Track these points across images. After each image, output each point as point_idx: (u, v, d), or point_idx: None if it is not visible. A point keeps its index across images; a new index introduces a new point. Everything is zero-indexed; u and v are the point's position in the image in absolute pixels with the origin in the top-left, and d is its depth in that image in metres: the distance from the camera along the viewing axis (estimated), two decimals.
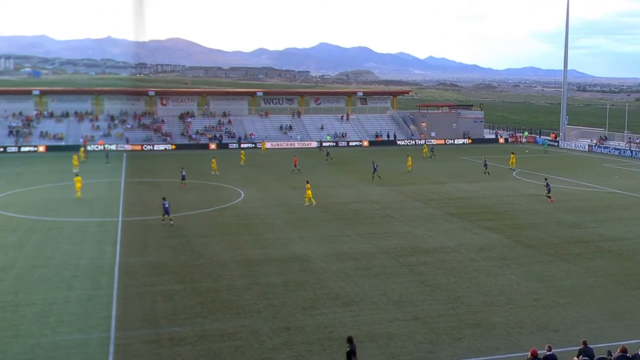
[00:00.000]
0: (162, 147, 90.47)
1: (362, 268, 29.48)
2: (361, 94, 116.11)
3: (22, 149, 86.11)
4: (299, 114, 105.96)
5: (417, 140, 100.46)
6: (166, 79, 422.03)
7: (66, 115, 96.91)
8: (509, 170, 65.33)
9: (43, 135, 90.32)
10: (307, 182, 47.35)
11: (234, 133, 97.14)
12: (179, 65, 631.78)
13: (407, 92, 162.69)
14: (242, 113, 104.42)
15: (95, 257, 31.43)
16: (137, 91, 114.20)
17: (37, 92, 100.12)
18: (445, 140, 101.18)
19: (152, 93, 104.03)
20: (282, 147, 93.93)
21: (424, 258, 31.34)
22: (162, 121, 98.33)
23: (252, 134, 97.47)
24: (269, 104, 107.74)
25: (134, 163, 68.47)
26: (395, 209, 44.27)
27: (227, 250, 32.78)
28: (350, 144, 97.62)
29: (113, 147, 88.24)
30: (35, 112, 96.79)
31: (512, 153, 69.21)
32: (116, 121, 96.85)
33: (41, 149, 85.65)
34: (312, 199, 45.44)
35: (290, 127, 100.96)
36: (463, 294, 25.88)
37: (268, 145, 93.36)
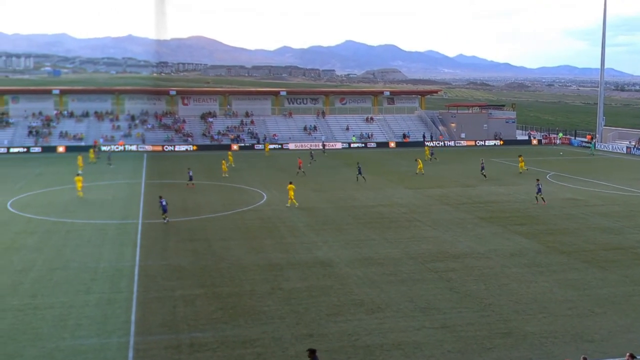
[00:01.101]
0: (183, 147, 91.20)
1: (388, 274, 29.37)
2: (388, 93, 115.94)
3: (39, 149, 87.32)
4: (323, 114, 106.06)
5: (445, 142, 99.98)
6: (188, 78, 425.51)
7: (86, 115, 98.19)
8: (542, 173, 64.60)
9: (63, 135, 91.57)
10: (290, 183, 47.45)
11: (256, 134, 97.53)
12: (200, 64, 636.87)
13: (436, 92, 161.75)
14: (265, 113, 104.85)
15: (115, 259, 31.75)
16: (158, 90, 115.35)
17: (57, 92, 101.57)
18: (475, 141, 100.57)
19: (174, 92, 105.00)
20: (307, 148, 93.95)
21: (452, 264, 31.14)
22: (184, 121, 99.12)
23: (275, 134, 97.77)
24: (293, 103, 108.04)
25: (154, 164, 69.05)
26: (423, 212, 44.07)
27: (249, 254, 32.89)
28: (370, 144, 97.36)
29: (133, 147, 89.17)
30: (55, 112, 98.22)
31: (520, 156, 68.00)
32: (137, 121, 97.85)
33: (61, 149, 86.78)
34: (293, 201, 45.78)
35: (315, 128, 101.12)
36: (493, 301, 25.65)
37: (291, 146, 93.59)
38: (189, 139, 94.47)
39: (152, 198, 48.75)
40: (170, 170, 66.16)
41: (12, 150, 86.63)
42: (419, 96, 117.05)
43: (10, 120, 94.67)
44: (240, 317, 23.80)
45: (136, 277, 28.57)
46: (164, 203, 40.92)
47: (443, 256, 32.56)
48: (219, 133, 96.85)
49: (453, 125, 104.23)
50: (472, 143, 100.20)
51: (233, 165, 68.16)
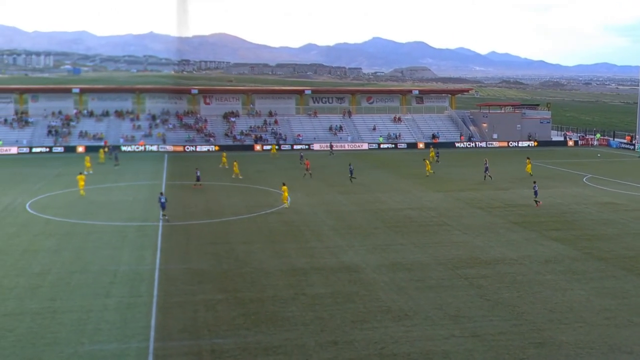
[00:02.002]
0: (204, 148, 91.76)
1: (416, 280, 29.26)
2: (417, 92, 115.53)
3: (61, 149, 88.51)
4: (349, 113, 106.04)
5: (476, 143, 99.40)
6: (210, 76, 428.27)
7: (106, 114, 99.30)
8: (578, 176, 63.93)
9: (82, 135, 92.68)
10: (284, 184, 47.76)
11: (280, 134, 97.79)
12: (223, 62, 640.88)
13: (467, 91, 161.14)
14: (289, 112, 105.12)
15: (135, 263, 32.02)
16: (180, 89, 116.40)
17: (77, 90, 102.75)
18: (508, 142, 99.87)
19: (195, 91, 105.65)
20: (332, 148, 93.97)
21: (484, 270, 30.92)
22: (205, 121, 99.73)
23: (299, 135, 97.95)
24: (318, 103, 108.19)
25: (175, 165, 69.58)
26: (453, 216, 43.83)
27: (272, 258, 32.97)
28: (401, 145, 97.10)
29: (154, 147, 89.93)
30: (74, 111, 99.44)
31: (528, 158, 66.95)
32: (158, 121, 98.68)
33: (80, 149, 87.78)
34: (285, 201, 46.25)
35: (341, 128, 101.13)
36: (527, 310, 25.42)
37: (316, 147, 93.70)
38: (211, 139, 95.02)
39: (174, 200, 49.13)
40: (191, 171, 66.48)
41: (31, 150, 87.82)
42: (449, 95, 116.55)
43: (30, 120, 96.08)
44: (263, 323, 23.86)
45: (156, 281, 28.79)
46: (163, 200, 42.00)
47: (474, 262, 32.34)
48: (241, 133, 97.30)
49: (485, 125, 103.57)
50: (505, 144, 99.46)
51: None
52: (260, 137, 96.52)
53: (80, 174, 54.03)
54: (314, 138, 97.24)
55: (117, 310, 25.09)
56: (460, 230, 39.51)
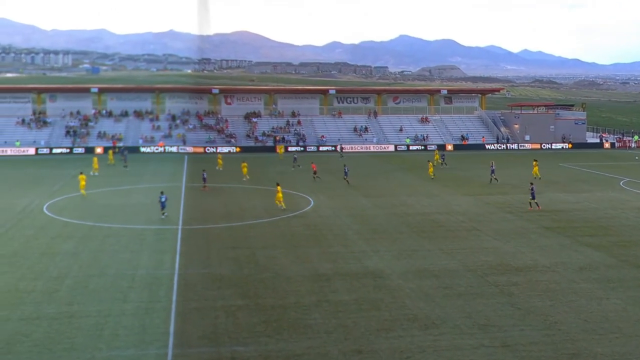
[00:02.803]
0: (225, 149, 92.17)
1: (444, 287, 29.13)
2: (445, 92, 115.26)
3: (81, 150, 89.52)
4: (375, 114, 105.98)
5: (508, 144, 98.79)
6: (231, 75, 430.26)
7: (125, 114, 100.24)
8: (614, 180, 63.21)
9: (101, 135, 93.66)
10: (278, 184, 48.37)
11: (303, 135, 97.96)
12: (245, 61, 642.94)
13: (498, 90, 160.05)
14: (312, 113, 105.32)
15: (153, 267, 32.25)
16: (200, 89, 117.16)
17: (96, 90, 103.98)
18: (541, 144, 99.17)
19: (216, 91, 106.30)
20: (357, 150, 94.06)
21: (515, 277, 30.70)
22: (226, 121, 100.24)
23: (323, 136, 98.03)
24: (343, 103, 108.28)
25: (195, 166, 69.80)
26: (483, 221, 43.59)
27: (294, 263, 33.02)
28: (431, 147, 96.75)
29: (174, 149, 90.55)
30: (93, 111, 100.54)
31: (535, 160, 66.17)
32: (178, 121, 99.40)
33: (99, 150, 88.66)
34: (282, 203, 46.82)
35: (366, 129, 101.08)
36: (560, 319, 25.18)
37: (346, 148, 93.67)
38: (232, 140, 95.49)
39: (193, 202, 49.44)
40: (212, 173, 66.85)
41: (45, 150, 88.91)
42: (479, 95, 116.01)
43: (48, 120, 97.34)
44: (285, 330, 23.89)
45: (175, 286, 28.96)
46: (163, 199, 43.43)
47: (504, 269, 32.12)
48: (263, 134, 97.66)
49: (516, 126, 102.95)
50: (538, 146, 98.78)
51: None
52: (283, 138, 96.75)
53: (81, 173, 54.98)
54: (339, 139, 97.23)
55: (135, 316, 25.28)
56: (490, 236, 39.27)
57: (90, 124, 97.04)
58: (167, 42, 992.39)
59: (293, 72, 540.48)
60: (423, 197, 52.90)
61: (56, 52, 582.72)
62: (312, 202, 50.40)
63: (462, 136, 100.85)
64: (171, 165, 72.15)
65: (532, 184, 49.88)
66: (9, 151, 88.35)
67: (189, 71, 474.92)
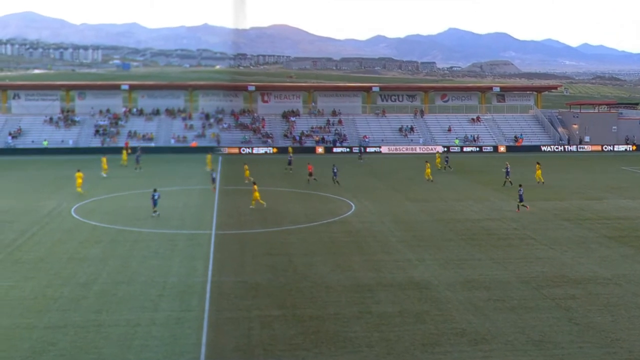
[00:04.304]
0: (262, 150, 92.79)
1: (495, 299, 28.87)
2: (498, 89, 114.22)
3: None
4: (422, 113, 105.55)
5: (565, 146, 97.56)
6: (268, 71, 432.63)
7: (157, 112, 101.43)
8: None
9: (131, 135, 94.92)
10: (254, 184, 49.95)
11: (344, 135, 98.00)
12: (283, 56, 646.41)
13: (555, 88, 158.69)
14: (354, 112, 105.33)
15: (185, 274, 32.54)
16: (236, 86, 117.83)
17: (126, 87, 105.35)
18: (602, 146, 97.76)
19: (252, 88, 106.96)
20: (402, 151, 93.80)
21: (572, 290, 30.29)
22: (263, 120, 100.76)
23: (366, 136, 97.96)
24: (387, 101, 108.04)
25: (230, 168, 70.50)
26: (538, 229, 43.10)
27: (334, 272, 33.03)
28: (486, 149, 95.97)
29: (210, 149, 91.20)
30: (123, 109, 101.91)
31: (538, 163, 64.97)
32: (211, 120, 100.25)
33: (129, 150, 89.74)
34: (260, 201, 48.69)
35: (412, 129, 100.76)
36: (622, 336, 24.77)
37: (385, 149, 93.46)
38: (269, 140, 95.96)
39: (227, 206, 49.82)
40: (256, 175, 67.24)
41: (78, 150, 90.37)
42: (535, 93, 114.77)
43: (76, 118, 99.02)
44: (323, 343, 23.91)
45: (208, 295, 29.18)
46: (156, 197, 45.20)
47: (561, 281, 31.73)
48: (302, 134, 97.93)
49: (575, 126, 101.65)
50: (598, 148, 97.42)
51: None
52: (323, 138, 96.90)
53: (78, 170, 56.42)
54: (382, 140, 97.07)
55: (165, 325, 25.54)
56: (545, 245, 38.83)
57: (120, 122, 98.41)
58: (201, 36, 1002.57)
59: (334, 68, 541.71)
60: (472, 202, 52.51)
61: (85, 48, 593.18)
62: (354, 207, 50.38)
63: (515, 137, 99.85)
64: (203, 166, 72.58)
65: (520, 185, 50.72)
66: (37, 151, 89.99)
67: (219, 67, 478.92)
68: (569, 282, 31.61)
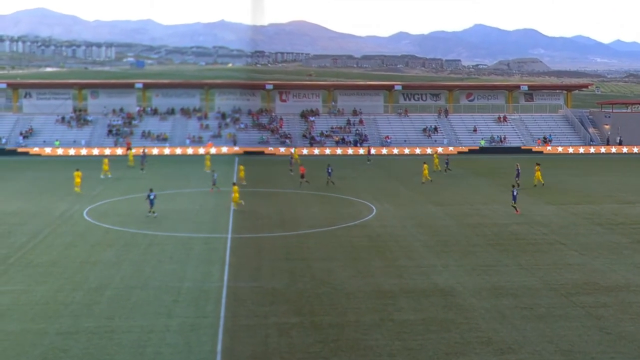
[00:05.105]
0: (280, 150, 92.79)
1: (522, 307, 28.73)
2: (526, 88, 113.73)
3: (120, 150, 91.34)
4: (446, 112, 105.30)
5: (596, 147, 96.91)
6: (287, 69, 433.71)
7: (171, 112, 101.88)
8: None
9: (145, 135, 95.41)
10: (234, 184, 51.28)
11: (365, 135, 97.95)
12: (302, 53, 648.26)
13: (586, 86, 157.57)
14: (376, 111, 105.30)
15: (200, 279, 32.65)
16: (253, 84, 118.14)
17: (140, 86, 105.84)
18: (636, 147, 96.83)
19: (270, 87, 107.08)
20: (426, 153, 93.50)
21: (604, 298, 30.08)
22: (281, 120, 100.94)
23: (387, 136, 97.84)
24: (410, 100, 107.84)
25: (247, 169, 70.49)
26: (568, 234, 42.86)
27: (355, 277, 33.00)
28: (510, 150, 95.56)
29: (224, 149, 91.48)
30: (137, 109, 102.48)
31: (537, 164, 64.32)
32: (228, 120, 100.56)
33: (135, 150, 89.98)
34: (238, 201, 49.45)
35: (436, 129, 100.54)
36: None
37: (406, 150, 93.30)
38: (287, 140, 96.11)
39: (245, 209, 49.91)
40: (265, 177, 67.50)
41: (91, 151, 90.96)
42: (564, 91, 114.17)
43: (89, 118, 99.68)
44: (343, 352, 23.89)
45: (224, 301, 29.25)
46: (152, 197, 45.91)
47: (592, 288, 31.52)
48: (321, 134, 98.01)
49: (607, 127, 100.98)
50: (632, 149, 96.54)
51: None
52: (343, 138, 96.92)
53: (77, 170, 57.63)
54: (405, 141, 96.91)
55: (180, 332, 25.63)
56: (576, 251, 38.60)
57: (134, 122, 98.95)
58: (217, 33, 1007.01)
59: (354, 65, 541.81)
60: (500, 206, 52.28)
61: (99, 45, 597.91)
62: (375, 210, 50.33)
63: (544, 138, 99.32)
64: (221, 167, 72.79)
65: (513, 186, 51.51)
66: (47, 151, 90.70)
67: (231, 64, 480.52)
68: (600, 289, 31.39)
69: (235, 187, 50.48)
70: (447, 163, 73.82)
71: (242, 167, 64.85)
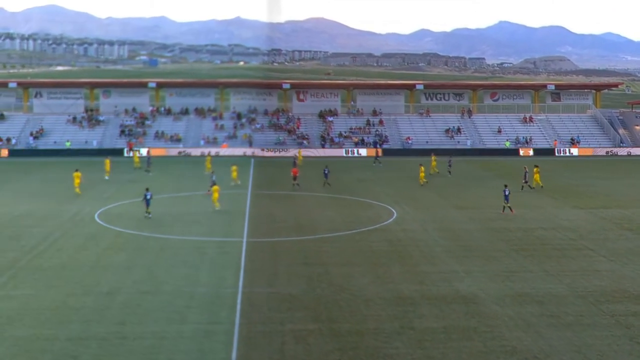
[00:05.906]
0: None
1: (548, 315, 28.60)
2: (553, 87, 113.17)
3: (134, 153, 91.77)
4: (469, 113, 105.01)
5: (628, 149, 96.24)
6: (304, 68, 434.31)
7: (185, 112, 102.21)
8: None
9: (159, 135, 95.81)
10: (215, 185, 52.61)
11: (386, 136, 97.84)
12: (320, 52, 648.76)
13: (616, 85, 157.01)
14: (396, 111, 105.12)
15: (214, 284, 32.73)
16: (269, 83, 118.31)
17: (154, 85, 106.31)
18: None
19: (287, 86, 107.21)
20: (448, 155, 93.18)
21: (634, 306, 29.89)
22: (298, 120, 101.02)
23: (409, 137, 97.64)
24: (432, 100, 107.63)
25: (263, 171, 70.83)
26: (596, 239, 42.61)
27: (374, 283, 32.98)
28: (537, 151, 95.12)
29: (240, 152, 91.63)
30: (150, 109, 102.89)
31: (536, 166, 63.91)
32: (243, 120, 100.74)
33: (147, 151, 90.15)
34: (215, 203, 50.79)
35: (459, 130, 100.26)
36: None
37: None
38: (305, 141, 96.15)
39: (260, 212, 50.03)
40: (281, 179, 67.52)
41: (102, 152, 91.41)
42: (593, 91, 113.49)
43: (101, 118, 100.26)
44: None
45: (238, 306, 29.30)
46: (148, 196, 46.67)
47: (622, 296, 31.32)
48: (340, 135, 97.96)
49: (638, 128, 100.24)
50: None
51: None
52: (362, 140, 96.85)
53: (76, 170, 58.48)
54: (427, 142, 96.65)
55: (193, 339, 25.71)
56: (604, 257, 38.37)
57: (147, 122, 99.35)
58: (233, 30, 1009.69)
59: (374, 64, 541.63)
60: (525, 210, 52.05)
61: (111, 43, 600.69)
62: (395, 214, 50.27)
63: (572, 139, 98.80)
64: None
65: (506, 186, 51.43)
66: (59, 152, 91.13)
67: (242, 62, 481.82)
68: (630, 297, 31.20)
69: (216, 187, 51.62)
70: (450, 164, 73.31)
71: (234, 167, 65.03)
